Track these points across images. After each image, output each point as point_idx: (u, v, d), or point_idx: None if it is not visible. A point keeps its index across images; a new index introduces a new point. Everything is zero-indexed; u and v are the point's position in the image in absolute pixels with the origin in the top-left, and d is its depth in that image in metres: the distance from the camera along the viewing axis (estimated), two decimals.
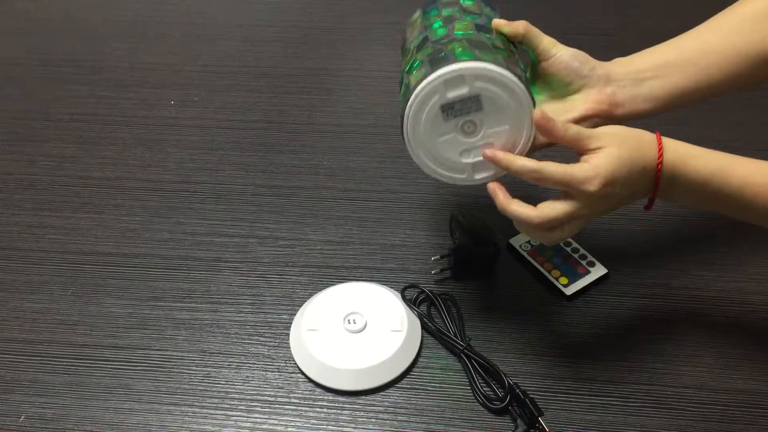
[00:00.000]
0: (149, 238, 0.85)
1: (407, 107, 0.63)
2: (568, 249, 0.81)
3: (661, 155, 0.62)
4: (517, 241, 0.82)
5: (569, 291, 0.78)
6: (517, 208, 0.62)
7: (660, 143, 0.62)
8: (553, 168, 0.60)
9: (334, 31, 1.14)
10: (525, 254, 0.81)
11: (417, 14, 0.72)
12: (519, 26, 0.68)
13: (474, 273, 0.80)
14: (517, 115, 0.62)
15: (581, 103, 0.68)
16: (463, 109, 0.62)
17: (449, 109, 0.62)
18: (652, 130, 0.63)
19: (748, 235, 0.83)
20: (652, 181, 0.63)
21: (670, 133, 0.64)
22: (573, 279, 0.78)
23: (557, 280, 0.78)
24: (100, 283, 0.81)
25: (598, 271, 0.79)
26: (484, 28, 0.67)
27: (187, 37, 1.13)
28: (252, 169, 0.93)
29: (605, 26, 1.15)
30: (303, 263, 0.82)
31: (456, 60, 0.61)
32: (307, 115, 1.01)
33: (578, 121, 0.68)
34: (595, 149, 0.61)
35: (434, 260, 0.80)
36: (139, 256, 0.83)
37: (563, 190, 0.61)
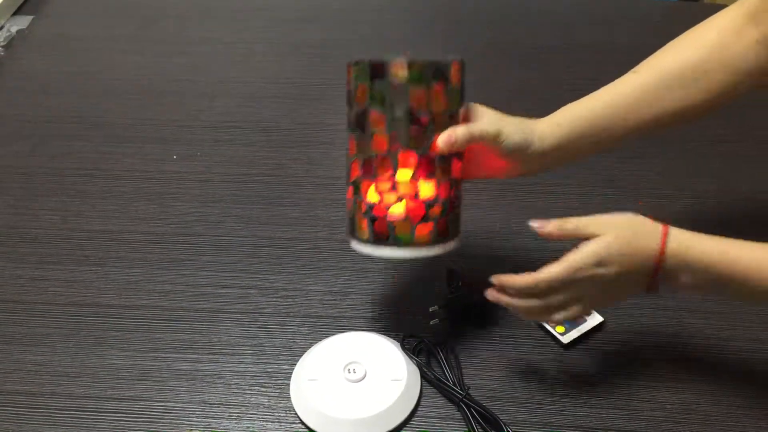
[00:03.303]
0: (150, 290, 0.86)
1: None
2: None
3: (665, 237, 0.65)
4: None
5: (566, 339, 0.78)
6: (520, 303, 0.68)
7: (665, 231, 0.65)
8: (551, 274, 0.66)
9: (331, 86, 1.17)
10: None
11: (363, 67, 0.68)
12: (458, 138, 0.67)
13: (472, 322, 0.81)
14: None
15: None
16: None
17: None
18: None
19: None
20: (652, 264, 0.65)
21: None
22: (570, 327, 0.79)
23: (554, 329, 0.79)
24: (102, 335, 0.81)
25: (594, 319, 0.80)
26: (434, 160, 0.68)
27: (189, 94, 1.16)
28: (252, 222, 0.95)
29: None
30: (303, 314, 0.83)
31: (396, 241, 0.69)
32: (306, 168, 1.03)
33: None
34: (591, 235, 0.66)
35: (432, 310, 0.81)
36: (141, 307, 0.84)
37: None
